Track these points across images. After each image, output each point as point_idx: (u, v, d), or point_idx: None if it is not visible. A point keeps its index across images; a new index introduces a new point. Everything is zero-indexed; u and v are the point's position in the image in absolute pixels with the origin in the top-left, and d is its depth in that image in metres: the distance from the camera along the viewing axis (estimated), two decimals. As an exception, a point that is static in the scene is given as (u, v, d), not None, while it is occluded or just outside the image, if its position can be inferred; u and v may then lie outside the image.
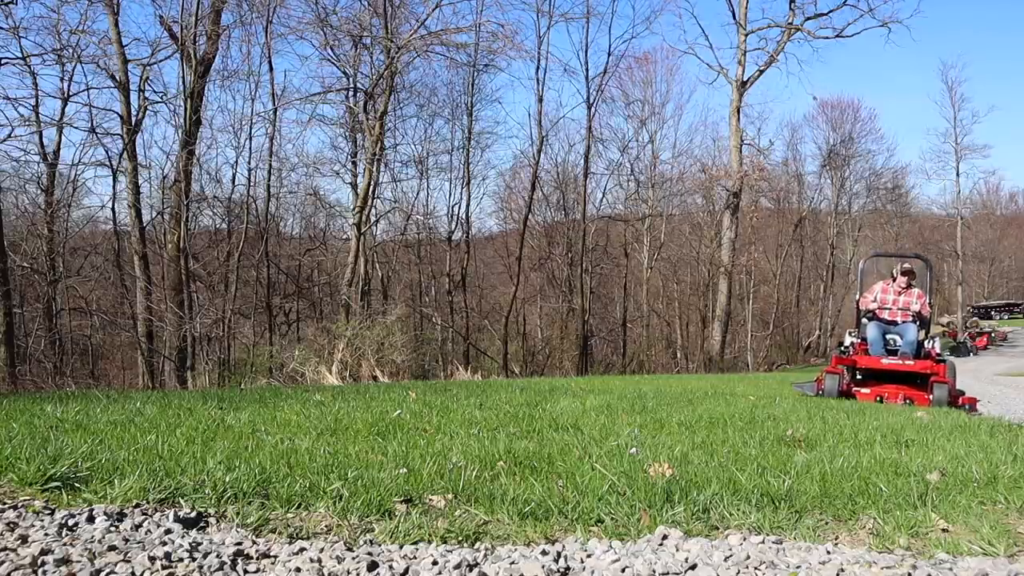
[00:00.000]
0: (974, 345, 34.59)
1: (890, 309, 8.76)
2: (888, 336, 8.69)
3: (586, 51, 36.38)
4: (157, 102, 17.74)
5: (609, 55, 24.07)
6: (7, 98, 15.64)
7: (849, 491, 2.53)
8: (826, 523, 2.23)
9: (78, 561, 1.68)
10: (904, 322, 8.67)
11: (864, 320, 9.03)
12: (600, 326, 27.26)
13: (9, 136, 16.05)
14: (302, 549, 1.83)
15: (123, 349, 20.44)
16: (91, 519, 1.95)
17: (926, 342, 8.72)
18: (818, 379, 8.75)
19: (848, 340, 9.13)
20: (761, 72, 24.24)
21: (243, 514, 2.05)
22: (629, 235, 27.77)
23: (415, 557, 1.84)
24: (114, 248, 19.07)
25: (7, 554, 1.70)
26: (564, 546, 1.95)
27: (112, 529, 1.89)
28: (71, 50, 16.59)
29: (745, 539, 2.02)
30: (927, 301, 8.96)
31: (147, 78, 17.10)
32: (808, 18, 23.92)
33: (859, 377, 8.63)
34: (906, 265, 8.87)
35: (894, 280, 8.91)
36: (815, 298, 37.89)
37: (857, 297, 9.27)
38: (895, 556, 1.93)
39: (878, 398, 7.98)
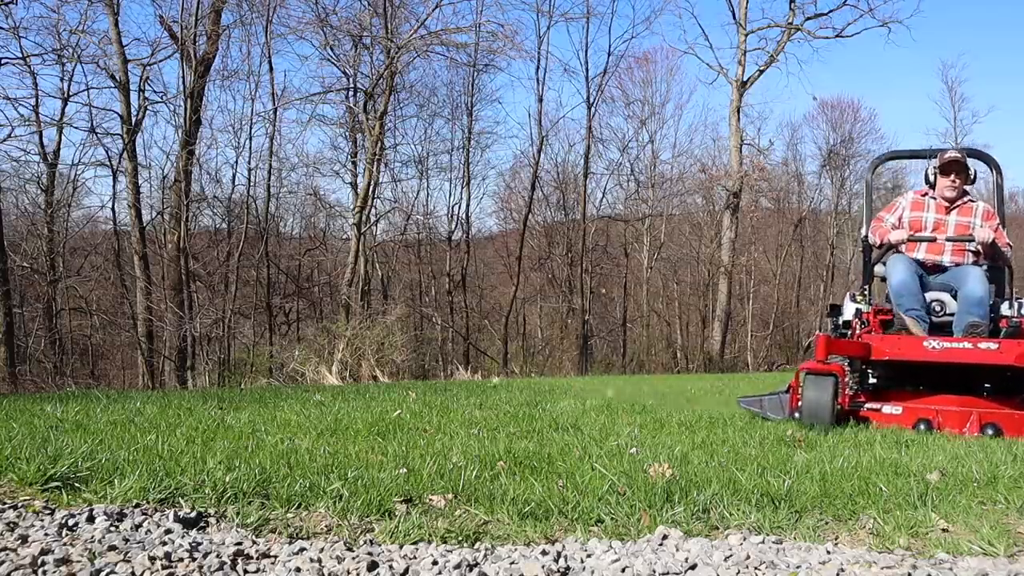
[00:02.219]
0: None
1: (932, 240, 4.80)
2: (930, 296, 4.73)
3: (586, 51, 36.21)
4: (157, 102, 17.76)
5: (609, 55, 24.04)
6: (7, 98, 15.68)
7: (849, 491, 2.53)
8: (826, 523, 2.23)
9: (78, 561, 1.68)
10: (958, 264, 4.76)
11: (880, 266, 5.08)
12: (600, 326, 27.25)
13: (9, 136, 16.08)
14: (302, 549, 1.83)
15: (123, 349, 20.43)
16: (91, 519, 1.95)
17: (1004, 305, 4.75)
18: (792, 388, 4.74)
19: (850, 307, 5.08)
20: (761, 72, 24.23)
21: (243, 514, 2.05)
22: (629, 235, 27.76)
23: (415, 557, 1.84)
24: (114, 248, 19.07)
25: (7, 554, 1.70)
26: (564, 546, 1.95)
27: (112, 529, 1.89)
28: (71, 50, 16.61)
29: (745, 539, 2.02)
30: (1000, 225, 4.91)
31: (147, 78, 17.12)
32: (808, 18, 23.92)
33: (874, 380, 4.82)
34: (953, 154, 4.86)
35: (932, 186, 4.97)
36: (815, 298, 37.85)
37: (864, 231, 5.23)
38: (895, 556, 1.93)
39: (920, 423, 4.31)
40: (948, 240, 4.85)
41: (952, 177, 4.86)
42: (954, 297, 4.71)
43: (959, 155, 4.89)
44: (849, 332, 4.97)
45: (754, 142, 25.59)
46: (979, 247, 4.83)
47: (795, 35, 24.03)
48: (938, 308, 4.78)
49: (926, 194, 5.03)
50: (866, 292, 5.17)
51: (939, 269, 4.86)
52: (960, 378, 4.50)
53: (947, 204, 4.91)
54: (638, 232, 27.44)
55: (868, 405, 4.59)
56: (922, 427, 4.27)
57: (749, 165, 24.99)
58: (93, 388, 10.52)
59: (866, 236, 5.21)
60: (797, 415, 4.46)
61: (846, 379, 4.61)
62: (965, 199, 4.94)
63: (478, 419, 4.33)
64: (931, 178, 5.02)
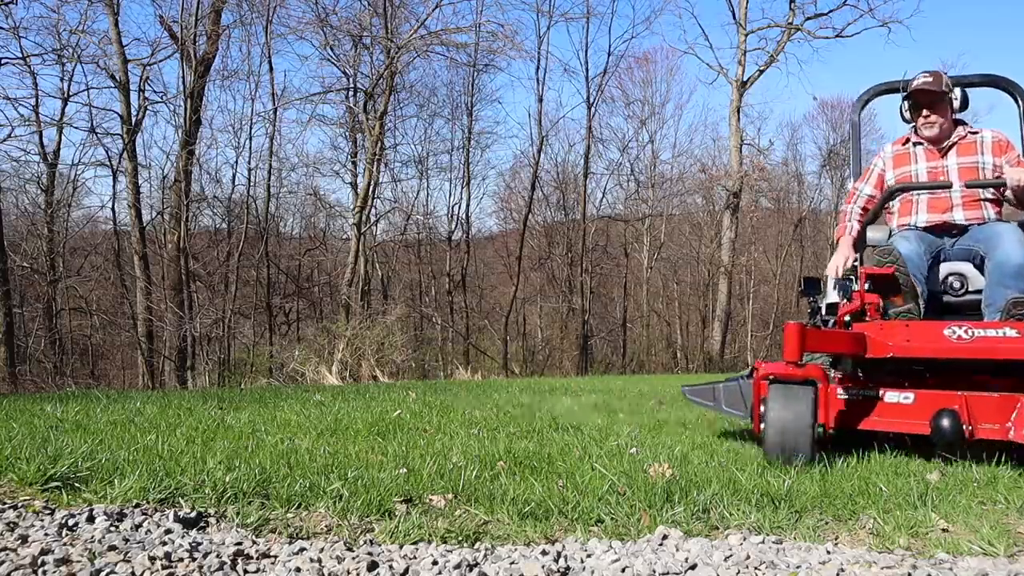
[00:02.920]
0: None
1: (947, 186, 3.61)
2: (944, 269, 3.57)
3: (586, 51, 36.30)
4: (157, 102, 17.76)
5: (609, 55, 24.02)
6: (7, 98, 15.71)
7: (849, 491, 2.53)
8: (826, 523, 2.23)
9: (78, 561, 1.68)
10: (981, 223, 3.57)
11: (874, 233, 3.88)
12: (600, 326, 27.25)
13: (9, 136, 16.10)
14: (302, 549, 1.83)
15: (123, 349, 20.44)
16: (91, 519, 1.95)
17: None
18: (756, 371, 3.27)
19: (834, 288, 3.60)
20: (761, 72, 24.24)
21: (243, 514, 2.05)
22: (629, 235, 27.77)
23: (415, 557, 1.84)
24: (114, 248, 19.08)
25: (7, 554, 1.70)
26: (564, 546, 1.95)
27: (112, 529, 1.89)
28: (71, 50, 16.63)
29: (745, 539, 2.02)
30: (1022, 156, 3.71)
31: (147, 78, 17.13)
32: (808, 18, 23.92)
33: (862, 378, 3.45)
34: (922, 80, 3.72)
35: (915, 128, 3.83)
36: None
37: (852, 184, 4.11)
38: (895, 556, 1.93)
39: (942, 417, 2.95)
40: (968, 186, 3.55)
41: (924, 112, 3.72)
42: (978, 268, 3.46)
43: (927, 80, 3.69)
44: (834, 321, 3.50)
45: (754, 142, 25.61)
46: (1009, 194, 3.53)
47: (795, 35, 24.03)
48: (957, 284, 3.49)
49: (908, 141, 3.85)
50: (857, 266, 3.78)
51: (954, 229, 3.59)
52: (993, 372, 3.20)
53: (939, 147, 3.74)
54: (638, 232, 27.44)
55: (864, 392, 3.24)
56: (945, 424, 2.90)
57: (749, 165, 24.99)
58: (93, 388, 10.52)
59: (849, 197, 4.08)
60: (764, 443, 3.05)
61: (829, 386, 3.17)
62: (963, 132, 3.74)
63: (478, 419, 4.33)
64: (907, 115, 3.87)
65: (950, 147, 3.75)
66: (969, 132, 3.78)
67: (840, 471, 2.84)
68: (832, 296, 3.61)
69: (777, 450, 2.93)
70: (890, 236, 3.75)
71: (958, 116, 3.84)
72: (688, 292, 29.50)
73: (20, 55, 16.15)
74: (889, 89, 4.37)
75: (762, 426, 3.04)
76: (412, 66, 20.95)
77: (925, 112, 3.74)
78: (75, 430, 3.26)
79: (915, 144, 3.85)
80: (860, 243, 3.94)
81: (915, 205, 3.74)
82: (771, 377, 3.02)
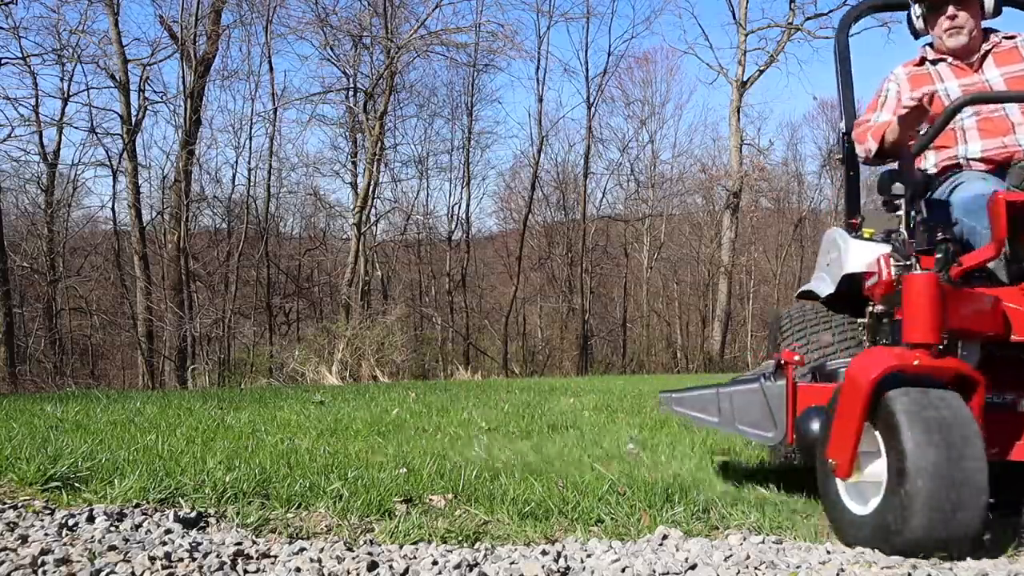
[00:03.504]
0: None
1: (985, 114, 2.60)
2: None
3: (586, 51, 36.25)
4: (157, 102, 17.77)
5: (609, 55, 24.02)
6: (7, 98, 15.73)
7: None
8: (826, 523, 2.23)
9: (78, 561, 1.68)
10: None
11: (924, 170, 2.64)
12: (600, 326, 27.26)
13: (9, 136, 16.12)
14: (302, 549, 1.83)
15: (123, 349, 20.43)
16: (91, 519, 1.95)
17: None
18: (785, 365, 2.22)
19: (861, 249, 2.44)
20: (761, 72, 24.24)
21: (243, 514, 2.05)
22: (629, 235, 27.77)
23: (415, 557, 1.84)
24: (114, 248, 19.09)
25: (7, 554, 1.70)
26: (564, 546, 1.95)
27: (112, 529, 1.89)
28: (71, 50, 16.65)
29: (745, 539, 2.02)
30: None
31: (147, 78, 17.14)
32: (808, 18, 23.90)
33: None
34: None
35: (929, 44, 2.86)
36: (815, 298, 37.70)
37: (843, 123, 3.02)
38: (895, 556, 1.93)
39: None
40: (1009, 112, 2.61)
41: (949, 11, 2.72)
42: None
43: None
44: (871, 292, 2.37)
45: (754, 142, 25.60)
46: None
47: (795, 35, 24.02)
48: None
49: (924, 60, 2.88)
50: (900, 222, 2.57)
51: (1004, 159, 2.61)
52: None
53: (968, 61, 2.78)
54: (638, 232, 27.44)
55: (996, 399, 2.11)
56: None
57: (749, 165, 25.00)
58: (93, 388, 10.53)
59: (848, 131, 2.98)
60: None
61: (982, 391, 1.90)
62: (998, 40, 2.83)
63: (477, 419, 4.34)
64: (918, 24, 2.86)
65: (983, 57, 2.79)
66: (1005, 38, 2.84)
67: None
68: (857, 255, 2.42)
69: (941, 533, 1.69)
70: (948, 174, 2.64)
71: (987, 24, 2.86)
72: (688, 292, 29.50)
73: (20, 55, 16.20)
74: (886, 5, 3.31)
75: (907, 486, 1.72)
76: (412, 66, 20.98)
77: (950, 12, 2.73)
78: (75, 430, 3.26)
79: (934, 62, 2.85)
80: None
81: (960, 133, 2.69)
82: (896, 375, 1.81)
